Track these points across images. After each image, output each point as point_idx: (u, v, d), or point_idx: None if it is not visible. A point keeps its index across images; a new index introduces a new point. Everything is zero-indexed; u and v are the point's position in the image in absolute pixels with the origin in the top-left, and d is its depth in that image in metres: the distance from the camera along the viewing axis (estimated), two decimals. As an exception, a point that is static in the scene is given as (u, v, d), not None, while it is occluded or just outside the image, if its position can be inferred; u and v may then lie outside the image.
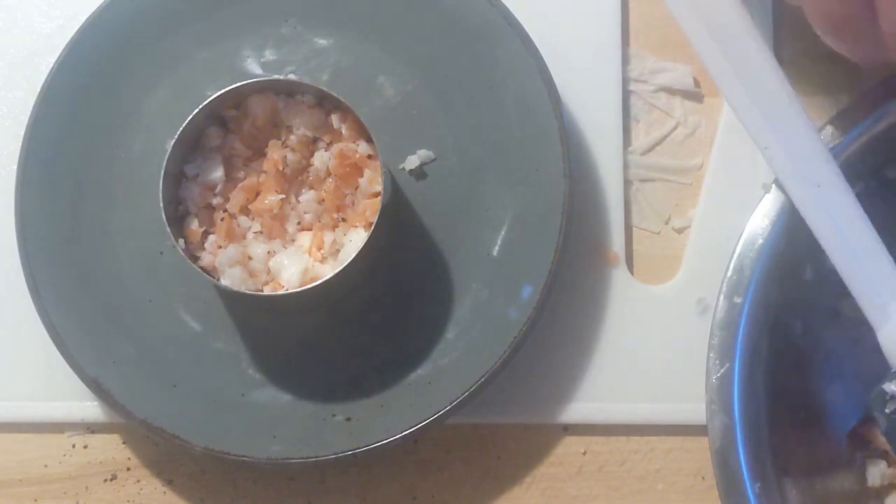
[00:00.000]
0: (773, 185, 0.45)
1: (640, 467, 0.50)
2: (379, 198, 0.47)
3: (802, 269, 0.47)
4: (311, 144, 0.49)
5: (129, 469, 0.51)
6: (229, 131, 0.49)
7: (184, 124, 0.47)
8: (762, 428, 0.45)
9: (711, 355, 0.45)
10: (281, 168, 0.48)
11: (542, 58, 0.50)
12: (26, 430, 0.52)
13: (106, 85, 0.52)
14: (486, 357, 0.48)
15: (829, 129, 0.45)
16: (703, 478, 0.50)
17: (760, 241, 0.45)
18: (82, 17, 0.52)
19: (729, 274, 0.45)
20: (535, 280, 0.49)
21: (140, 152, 0.51)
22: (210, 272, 0.48)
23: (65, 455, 0.51)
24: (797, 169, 0.43)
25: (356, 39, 0.52)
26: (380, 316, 0.50)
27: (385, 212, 0.47)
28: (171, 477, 0.51)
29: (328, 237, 0.49)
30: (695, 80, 0.53)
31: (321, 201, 0.49)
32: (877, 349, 0.44)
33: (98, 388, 0.49)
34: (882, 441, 0.46)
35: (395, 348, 0.50)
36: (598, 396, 0.51)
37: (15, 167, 0.51)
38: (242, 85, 0.48)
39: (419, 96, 0.51)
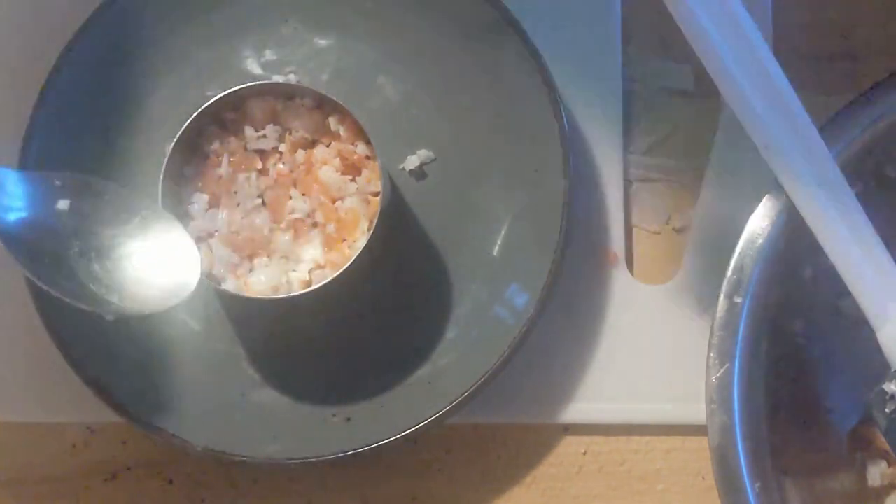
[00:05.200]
0: (773, 186, 0.45)
1: (640, 467, 0.50)
2: (378, 198, 0.47)
3: (802, 268, 0.47)
4: (311, 146, 0.49)
5: (129, 469, 0.51)
6: (229, 133, 0.49)
7: (183, 127, 0.47)
8: (762, 428, 0.45)
9: (711, 355, 0.45)
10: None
11: (542, 58, 0.50)
12: (26, 430, 0.52)
13: (105, 85, 0.52)
14: (486, 357, 0.48)
15: (829, 129, 0.45)
16: (703, 478, 0.50)
17: (760, 241, 0.45)
18: (82, 17, 0.52)
19: (729, 274, 0.45)
20: (535, 280, 0.49)
21: (140, 154, 0.51)
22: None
23: (65, 455, 0.51)
24: (797, 169, 0.43)
25: (356, 39, 0.52)
26: (380, 316, 0.50)
27: (384, 213, 0.47)
28: (171, 477, 0.51)
29: (328, 238, 0.49)
30: (695, 79, 0.53)
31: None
32: (877, 349, 0.44)
33: (98, 388, 0.49)
34: (882, 441, 0.46)
35: (395, 348, 0.50)
36: (598, 396, 0.51)
37: (15, 166, 0.51)
38: (242, 88, 0.48)
39: (419, 96, 0.51)
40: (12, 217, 0.41)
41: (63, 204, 0.42)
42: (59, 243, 0.41)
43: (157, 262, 0.42)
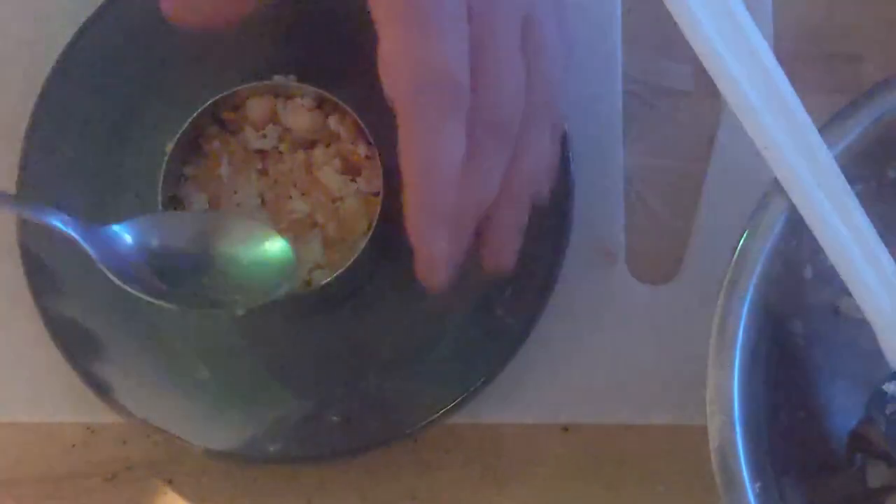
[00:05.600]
0: (773, 186, 0.45)
1: (640, 467, 0.50)
2: (378, 198, 0.47)
3: (802, 269, 0.47)
4: (311, 146, 0.49)
5: (129, 469, 0.51)
6: (229, 133, 0.49)
7: (183, 127, 0.47)
8: (762, 428, 0.45)
9: (711, 355, 0.45)
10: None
11: (542, 58, 0.50)
12: (26, 430, 0.52)
13: (105, 86, 0.52)
14: (487, 357, 0.48)
15: (829, 129, 0.45)
16: (703, 478, 0.50)
17: (760, 241, 0.45)
18: (82, 17, 0.52)
19: (729, 274, 0.45)
20: (535, 280, 0.49)
21: (140, 154, 0.51)
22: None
23: (65, 455, 0.51)
24: (797, 169, 0.43)
25: (358, 38, 0.52)
26: (379, 316, 0.50)
27: (384, 213, 0.47)
28: (171, 477, 0.51)
29: (328, 238, 0.49)
30: (695, 79, 0.53)
31: (321, 202, 0.49)
32: (877, 349, 0.44)
33: (98, 388, 0.49)
34: (882, 441, 0.46)
35: (395, 348, 0.50)
36: (598, 396, 0.51)
37: (15, 167, 0.51)
38: (242, 88, 0.48)
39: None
40: (129, 266, 0.46)
41: (156, 243, 0.46)
42: (168, 275, 0.46)
43: (256, 265, 0.47)
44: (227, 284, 0.46)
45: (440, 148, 0.41)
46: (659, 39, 0.53)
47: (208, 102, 0.48)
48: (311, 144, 0.49)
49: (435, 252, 0.42)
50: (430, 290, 0.43)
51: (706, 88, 0.53)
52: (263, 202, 0.49)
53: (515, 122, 0.43)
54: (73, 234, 0.44)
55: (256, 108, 0.49)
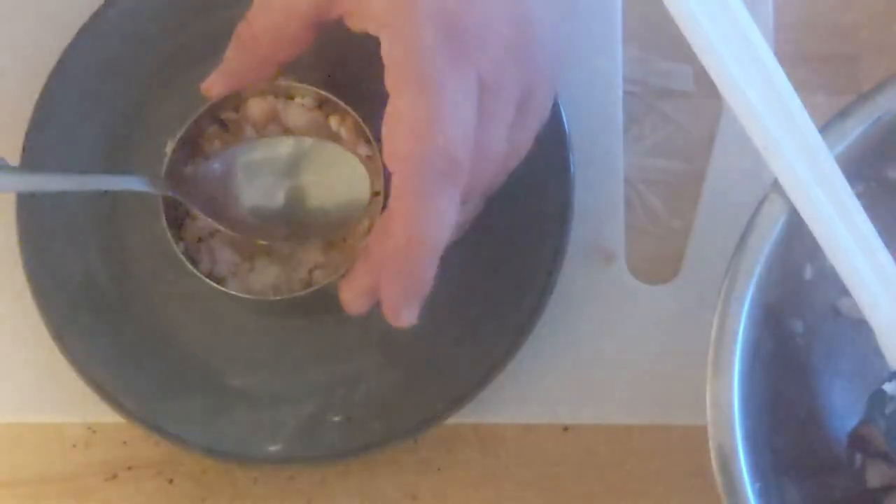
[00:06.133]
0: (773, 186, 0.45)
1: (640, 467, 0.50)
2: (379, 198, 0.47)
3: (802, 269, 0.47)
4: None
5: (129, 469, 0.51)
6: (229, 133, 0.49)
7: (184, 127, 0.47)
8: (762, 428, 0.45)
9: (711, 356, 0.45)
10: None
11: (542, 58, 0.50)
12: (26, 430, 0.52)
13: (106, 86, 0.52)
14: (486, 357, 0.48)
15: (829, 129, 0.45)
16: (703, 478, 0.50)
17: (760, 241, 0.45)
18: (84, 17, 0.52)
19: (729, 274, 0.45)
20: (535, 280, 0.49)
21: (140, 154, 0.51)
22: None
23: (65, 455, 0.51)
24: (797, 169, 0.43)
25: (358, 37, 0.52)
26: (379, 316, 0.50)
27: (385, 212, 0.47)
28: (171, 477, 0.51)
29: (328, 238, 0.49)
30: (695, 79, 0.53)
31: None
32: (877, 349, 0.44)
33: (99, 388, 0.49)
34: (882, 441, 0.46)
35: (395, 348, 0.50)
36: (598, 396, 0.51)
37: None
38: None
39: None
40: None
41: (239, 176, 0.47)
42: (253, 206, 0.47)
43: (332, 190, 0.47)
44: (308, 210, 0.47)
45: (432, 222, 0.41)
46: (659, 39, 0.53)
47: (208, 103, 0.48)
48: (311, 145, 0.49)
49: (404, 319, 0.43)
50: (346, 309, 0.44)
51: (706, 88, 0.53)
52: (264, 202, 0.49)
53: (486, 191, 0.44)
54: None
55: (256, 108, 0.49)
